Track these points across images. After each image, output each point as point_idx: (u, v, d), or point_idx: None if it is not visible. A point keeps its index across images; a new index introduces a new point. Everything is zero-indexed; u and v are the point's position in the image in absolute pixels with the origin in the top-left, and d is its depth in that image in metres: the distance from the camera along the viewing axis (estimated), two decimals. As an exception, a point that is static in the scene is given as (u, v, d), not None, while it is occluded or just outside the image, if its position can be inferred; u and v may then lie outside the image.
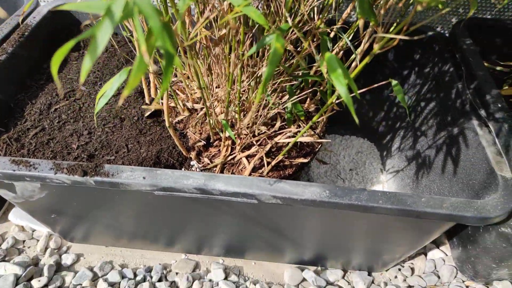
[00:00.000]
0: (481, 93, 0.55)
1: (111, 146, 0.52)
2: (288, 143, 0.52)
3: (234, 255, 0.67)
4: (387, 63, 0.73)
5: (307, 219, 0.51)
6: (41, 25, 0.64)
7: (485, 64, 0.60)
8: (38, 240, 0.68)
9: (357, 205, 0.42)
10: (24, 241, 0.68)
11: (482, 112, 0.53)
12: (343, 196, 0.42)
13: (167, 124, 0.47)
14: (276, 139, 0.48)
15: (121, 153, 0.51)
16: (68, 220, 0.60)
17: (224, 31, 0.47)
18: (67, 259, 0.65)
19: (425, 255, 0.68)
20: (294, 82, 0.48)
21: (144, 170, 0.43)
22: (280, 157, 0.48)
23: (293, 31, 0.44)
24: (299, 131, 0.50)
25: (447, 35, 0.73)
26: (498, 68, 0.68)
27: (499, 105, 0.53)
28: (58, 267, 0.64)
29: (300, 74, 0.47)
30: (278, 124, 0.50)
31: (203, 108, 0.58)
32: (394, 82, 0.40)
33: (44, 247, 0.66)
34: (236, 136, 0.52)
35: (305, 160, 0.55)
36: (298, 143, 0.56)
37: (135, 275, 0.64)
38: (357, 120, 0.28)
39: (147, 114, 0.56)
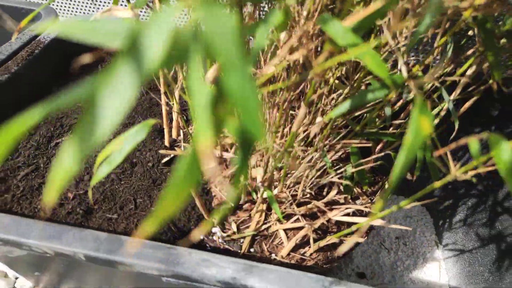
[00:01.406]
0: None
1: (116, 199, 0.41)
2: (348, 223, 0.40)
3: None
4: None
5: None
6: (57, 43, 0.56)
7: None
8: (15, 295, 0.56)
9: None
10: (-2, 294, 0.55)
11: None
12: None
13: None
14: (330, 215, 0.36)
15: (126, 209, 0.40)
16: (55, 278, 0.48)
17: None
18: (45, 326, 0.52)
19: None
20: (360, 143, 0.37)
21: (153, 247, 0.32)
22: (334, 238, 0.36)
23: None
24: (355, 205, 0.38)
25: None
26: None
27: None
28: (32, 336, 0.52)
29: (371, 132, 0.36)
30: (333, 193, 0.38)
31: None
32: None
33: (20, 305, 0.54)
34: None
35: (361, 240, 0.42)
36: (350, 213, 0.44)
37: None
38: None
39: (164, 160, 0.45)
